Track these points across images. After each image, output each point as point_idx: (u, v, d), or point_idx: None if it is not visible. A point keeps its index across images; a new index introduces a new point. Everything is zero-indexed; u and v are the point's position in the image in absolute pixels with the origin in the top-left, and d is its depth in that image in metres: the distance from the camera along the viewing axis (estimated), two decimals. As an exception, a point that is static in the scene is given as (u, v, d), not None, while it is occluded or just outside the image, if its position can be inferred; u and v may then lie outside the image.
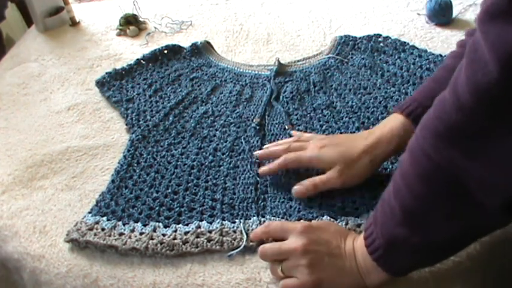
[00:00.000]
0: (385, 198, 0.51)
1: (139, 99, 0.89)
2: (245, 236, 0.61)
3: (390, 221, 0.49)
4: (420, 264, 0.54)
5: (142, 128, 0.82)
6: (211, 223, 0.64)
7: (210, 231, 0.62)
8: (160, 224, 0.64)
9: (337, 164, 0.63)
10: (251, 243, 0.60)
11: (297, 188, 0.65)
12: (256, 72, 0.93)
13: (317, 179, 0.64)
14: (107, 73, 0.96)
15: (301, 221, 0.62)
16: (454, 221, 0.46)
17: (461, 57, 0.66)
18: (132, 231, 0.64)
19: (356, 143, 0.64)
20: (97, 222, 0.65)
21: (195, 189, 0.70)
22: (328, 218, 0.63)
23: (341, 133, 0.76)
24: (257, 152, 0.72)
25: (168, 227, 0.64)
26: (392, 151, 0.64)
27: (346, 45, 0.95)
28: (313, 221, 0.61)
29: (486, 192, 0.43)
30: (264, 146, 0.73)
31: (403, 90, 0.82)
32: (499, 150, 0.40)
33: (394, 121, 0.65)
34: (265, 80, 0.91)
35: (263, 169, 0.69)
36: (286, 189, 0.68)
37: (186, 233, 0.63)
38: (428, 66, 0.86)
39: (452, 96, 0.42)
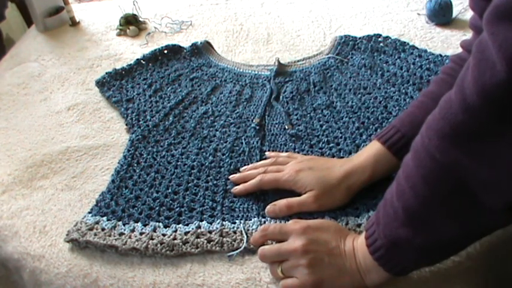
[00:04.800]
0: (387, 198, 0.51)
1: (139, 99, 0.89)
2: (245, 237, 0.61)
3: (393, 221, 0.49)
4: (422, 264, 0.54)
5: (142, 128, 0.82)
6: (211, 223, 0.64)
7: (210, 232, 0.62)
8: (161, 224, 0.64)
9: (314, 188, 0.63)
10: (251, 246, 0.60)
11: (269, 208, 0.64)
12: (256, 72, 0.93)
13: (293, 200, 0.64)
14: (107, 73, 0.96)
15: (301, 220, 0.62)
16: (458, 222, 0.46)
17: (446, 84, 0.67)
18: (132, 231, 0.64)
19: (333, 170, 0.64)
20: (97, 222, 0.65)
21: (195, 190, 0.70)
22: (328, 217, 0.63)
23: (341, 133, 0.76)
24: (232, 176, 0.70)
25: (168, 227, 0.64)
26: (367, 179, 0.64)
27: (346, 45, 0.95)
28: (312, 221, 0.61)
29: (491, 193, 0.42)
30: (241, 169, 0.71)
31: (403, 90, 0.82)
32: (505, 152, 0.40)
33: (370, 149, 0.65)
34: (265, 80, 0.91)
35: (238, 188, 0.68)
36: (286, 189, 0.67)
37: (186, 233, 0.63)
38: (428, 66, 0.86)
39: (459, 96, 0.42)
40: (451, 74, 0.68)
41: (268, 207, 0.64)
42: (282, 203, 0.64)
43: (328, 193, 0.63)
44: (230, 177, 0.70)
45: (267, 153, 0.74)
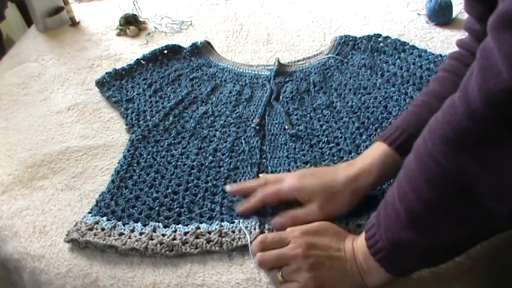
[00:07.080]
0: (388, 200, 0.51)
1: (139, 99, 0.89)
2: (248, 235, 0.61)
3: (395, 224, 0.49)
4: (424, 266, 0.54)
5: (142, 128, 0.82)
6: (210, 224, 0.64)
7: (209, 232, 0.62)
8: (160, 224, 0.64)
9: (318, 196, 0.60)
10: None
11: (276, 220, 0.62)
12: (256, 72, 0.93)
13: (298, 212, 0.61)
14: (107, 73, 0.96)
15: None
16: (461, 225, 0.45)
17: (447, 81, 0.65)
18: (132, 231, 0.64)
19: (337, 176, 0.61)
20: (97, 222, 0.65)
21: (195, 190, 0.69)
22: (328, 218, 0.63)
23: (341, 133, 0.76)
24: (228, 188, 0.67)
25: (168, 227, 0.64)
26: (374, 183, 0.61)
27: (346, 45, 0.95)
28: (310, 224, 0.60)
29: (495, 198, 0.42)
30: (235, 184, 0.68)
31: (403, 90, 0.82)
32: (509, 158, 0.40)
33: (375, 151, 0.62)
34: (265, 80, 0.91)
35: (240, 208, 0.64)
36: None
37: (185, 233, 0.63)
38: (428, 66, 0.86)
39: (463, 102, 0.42)
40: (451, 71, 0.67)
41: (275, 219, 0.62)
42: (287, 214, 0.62)
43: (333, 200, 0.60)
44: (227, 189, 0.67)
45: (261, 175, 0.70)
